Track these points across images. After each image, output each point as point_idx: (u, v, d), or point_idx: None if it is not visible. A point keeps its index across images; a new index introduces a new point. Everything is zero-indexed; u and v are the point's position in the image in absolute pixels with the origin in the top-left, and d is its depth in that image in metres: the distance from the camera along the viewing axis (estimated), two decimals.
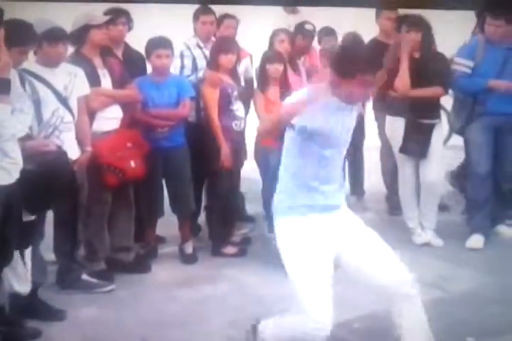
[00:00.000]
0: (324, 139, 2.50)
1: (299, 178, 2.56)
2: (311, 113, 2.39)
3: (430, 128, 4.24)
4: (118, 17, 4.07)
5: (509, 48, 4.19)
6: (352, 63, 2.46)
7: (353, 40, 5.06)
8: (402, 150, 4.29)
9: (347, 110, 2.57)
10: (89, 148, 3.57)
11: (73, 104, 3.49)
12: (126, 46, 4.28)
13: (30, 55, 3.37)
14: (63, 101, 3.42)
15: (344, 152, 2.68)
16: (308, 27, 4.83)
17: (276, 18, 5.59)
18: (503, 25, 4.12)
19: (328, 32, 5.17)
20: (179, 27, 4.83)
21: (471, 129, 4.30)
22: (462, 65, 4.22)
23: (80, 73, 3.55)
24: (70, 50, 3.76)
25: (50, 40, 3.36)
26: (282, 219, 2.60)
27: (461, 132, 4.40)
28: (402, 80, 4.15)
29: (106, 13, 3.95)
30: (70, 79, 3.48)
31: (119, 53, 4.17)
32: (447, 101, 4.69)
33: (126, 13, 4.22)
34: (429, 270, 3.88)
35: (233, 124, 4.24)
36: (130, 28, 4.27)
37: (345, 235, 2.62)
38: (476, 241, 4.29)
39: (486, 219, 4.35)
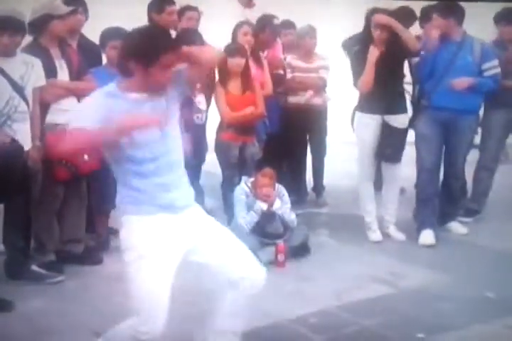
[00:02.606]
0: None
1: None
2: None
3: (404, 132, 4.30)
4: (77, 7, 4.01)
5: (458, 43, 4.26)
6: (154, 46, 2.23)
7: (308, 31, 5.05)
8: (379, 156, 4.32)
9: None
10: (37, 142, 3.51)
11: (29, 94, 3.44)
12: (81, 36, 4.24)
13: None
14: (19, 90, 3.37)
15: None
16: (277, 22, 4.81)
17: (235, 11, 5.56)
18: (451, 22, 4.21)
19: (287, 25, 5.16)
20: (132, 18, 4.79)
21: (418, 123, 4.37)
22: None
23: (37, 63, 3.51)
24: (28, 39, 3.72)
25: None
26: (130, 218, 2.41)
27: (409, 125, 4.43)
28: (365, 79, 4.19)
29: (64, 3, 3.88)
30: (26, 69, 3.44)
31: (74, 44, 4.12)
32: None
33: (83, 3, 4.17)
34: (380, 266, 3.93)
35: (195, 117, 4.21)
36: (86, 18, 4.23)
37: (193, 235, 2.47)
38: (428, 236, 4.33)
39: (433, 214, 4.39)
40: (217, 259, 2.48)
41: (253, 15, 5.11)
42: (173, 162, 2.42)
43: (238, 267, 2.49)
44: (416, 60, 4.30)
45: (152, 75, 2.28)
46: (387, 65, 4.16)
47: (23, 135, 3.39)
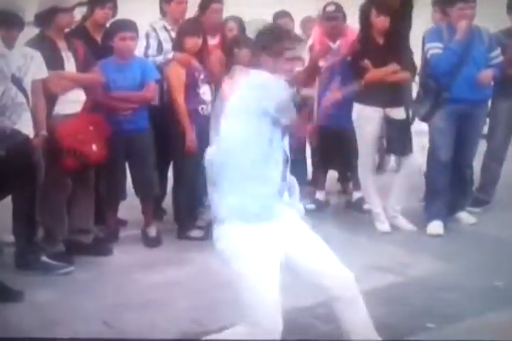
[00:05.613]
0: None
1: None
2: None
3: (407, 123, 4.30)
4: (105, 1, 4.13)
5: (471, 34, 4.20)
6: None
7: None
8: (390, 151, 4.34)
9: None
10: (43, 132, 3.53)
11: (27, 85, 3.46)
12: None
13: None
14: (16, 81, 3.39)
15: None
16: (329, 8, 4.62)
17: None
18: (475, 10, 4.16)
19: (281, 15, 5.06)
20: (145, 9, 4.81)
21: (436, 116, 4.32)
22: (434, 48, 4.23)
23: (36, 56, 3.53)
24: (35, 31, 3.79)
25: None
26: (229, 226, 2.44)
27: (425, 119, 4.42)
28: (374, 74, 4.17)
29: None
30: (25, 61, 3.46)
31: (99, 37, 4.18)
32: None
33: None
34: (389, 256, 3.92)
35: (199, 108, 4.20)
36: (114, 15, 4.27)
37: (290, 242, 2.51)
38: (436, 227, 4.32)
39: (444, 206, 4.39)
40: (309, 267, 2.53)
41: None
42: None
43: (328, 277, 2.52)
44: (435, 52, 4.21)
45: (279, 66, 2.46)
46: (390, 56, 4.14)
47: (22, 126, 3.40)
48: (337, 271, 2.56)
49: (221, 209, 2.45)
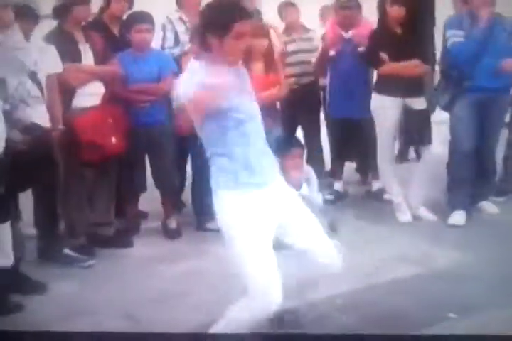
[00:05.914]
0: None
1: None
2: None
3: (427, 112, 4.25)
4: None
5: (493, 21, 4.13)
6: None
7: None
8: (409, 142, 4.32)
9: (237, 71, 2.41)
10: (60, 126, 3.55)
11: (41, 79, 3.47)
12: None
13: None
14: (31, 75, 3.40)
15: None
16: None
17: None
18: None
19: (286, 5, 5.01)
20: (161, 1, 4.80)
21: (457, 105, 4.27)
22: (454, 36, 4.18)
23: (51, 50, 3.55)
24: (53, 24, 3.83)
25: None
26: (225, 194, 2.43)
27: (446, 108, 4.37)
28: (390, 67, 4.15)
29: None
30: (40, 55, 3.47)
31: (116, 29, 4.20)
32: None
33: None
34: (410, 246, 3.90)
35: None
36: (131, 7, 4.27)
37: (282, 213, 2.50)
38: (459, 217, 4.29)
39: (467, 196, 4.35)
40: (304, 242, 2.51)
41: None
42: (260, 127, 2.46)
43: (322, 253, 2.52)
44: (456, 40, 4.16)
45: (228, 46, 2.28)
46: (403, 44, 4.11)
47: (38, 119, 3.41)
48: (327, 247, 2.55)
49: (214, 181, 2.43)
